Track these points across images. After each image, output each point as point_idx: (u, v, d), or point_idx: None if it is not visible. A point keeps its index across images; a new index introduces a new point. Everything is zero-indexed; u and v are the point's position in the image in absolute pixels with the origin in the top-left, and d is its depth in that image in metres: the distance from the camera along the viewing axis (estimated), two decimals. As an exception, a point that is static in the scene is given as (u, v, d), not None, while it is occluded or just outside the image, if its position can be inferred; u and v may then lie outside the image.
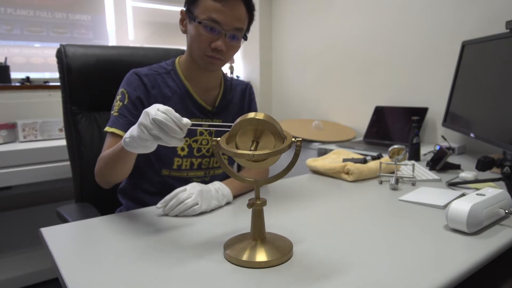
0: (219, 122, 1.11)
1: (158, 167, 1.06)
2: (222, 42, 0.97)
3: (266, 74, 2.92)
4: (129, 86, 1.02)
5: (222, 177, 1.12)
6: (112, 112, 1.01)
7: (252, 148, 0.63)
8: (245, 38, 1.03)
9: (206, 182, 1.08)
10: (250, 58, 2.92)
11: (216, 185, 0.96)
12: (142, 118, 0.72)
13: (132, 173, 1.10)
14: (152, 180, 1.08)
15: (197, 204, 0.87)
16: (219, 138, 0.66)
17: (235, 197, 1.00)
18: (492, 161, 1.07)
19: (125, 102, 1.00)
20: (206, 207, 0.89)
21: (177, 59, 1.10)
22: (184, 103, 1.05)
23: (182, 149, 1.05)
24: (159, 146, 1.02)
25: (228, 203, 0.96)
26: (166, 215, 0.87)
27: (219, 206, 0.93)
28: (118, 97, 1.03)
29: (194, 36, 0.99)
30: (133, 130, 0.74)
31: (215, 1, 0.94)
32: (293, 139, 0.65)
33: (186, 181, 1.06)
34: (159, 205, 0.88)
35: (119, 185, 1.16)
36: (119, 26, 2.42)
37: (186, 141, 1.05)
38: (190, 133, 1.06)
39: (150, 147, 0.74)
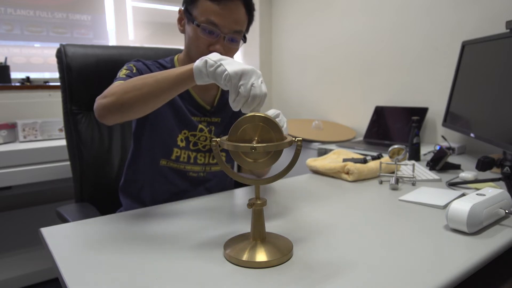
0: (218, 120, 1.11)
1: (157, 156, 1.05)
2: (220, 45, 0.96)
3: (266, 74, 2.92)
4: (137, 63, 1.01)
5: (220, 174, 1.12)
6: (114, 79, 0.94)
7: (253, 143, 0.63)
8: (244, 41, 1.02)
9: (202, 178, 1.09)
10: (250, 58, 2.93)
11: None
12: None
13: (130, 166, 1.10)
14: (149, 172, 1.07)
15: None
16: (218, 139, 0.66)
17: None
18: (492, 161, 1.07)
19: (134, 71, 0.96)
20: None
21: (175, 57, 1.09)
22: (184, 102, 1.05)
23: (182, 140, 1.05)
24: (160, 135, 1.02)
25: (227, 203, 0.96)
26: (166, 215, 0.87)
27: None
28: (123, 68, 0.97)
29: (192, 38, 0.98)
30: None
31: (214, 3, 0.93)
32: (294, 139, 0.65)
33: (182, 174, 1.07)
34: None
35: (119, 184, 1.16)
36: (119, 26, 2.42)
37: (185, 133, 1.05)
38: (191, 127, 1.06)
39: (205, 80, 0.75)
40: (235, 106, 0.72)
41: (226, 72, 0.70)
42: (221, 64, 0.71)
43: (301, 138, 0.65)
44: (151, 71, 1.02)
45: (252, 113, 0.64)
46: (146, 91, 0.77)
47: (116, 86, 0.82)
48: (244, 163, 0.65)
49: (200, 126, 1.07)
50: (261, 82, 0.71)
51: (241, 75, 0.70)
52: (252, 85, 0.70)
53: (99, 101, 0.82)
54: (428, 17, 1.91)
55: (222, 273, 0.61)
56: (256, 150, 0.61)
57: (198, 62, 0.74)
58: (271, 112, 0.79)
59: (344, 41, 2.36)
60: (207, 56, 0.74)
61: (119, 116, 0.80)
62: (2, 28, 2.07)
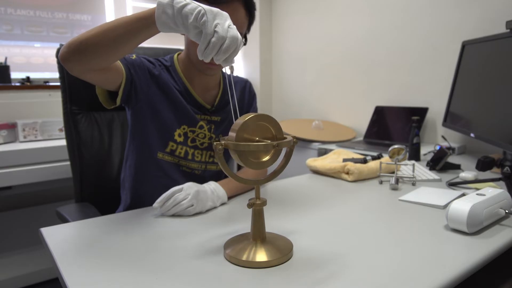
0: (218, 119, 1.11)
1: (153, 149, 1.05)
2: None
3: (266, 74, 2.92)
4: (139, 56, 1.01)
5: (216, 173, 1.12)
6: None
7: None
8: (245, 43, 1.00)
9: (198, 175, 1.09)
10: (250, 58, 2.93)
11: (212, 185, 0.96)
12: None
13: (127, 160, 1.09)
14: (145, 165, 1.06)
15: (192, 205, 0.87)
16: (222, 142, 0.64)
17: (230, 198, 1.00)
18: (492, 161, 1.07)
19: (132, 57, 0.96)
20: (201, 208, 0.89)
21: (175, 56, 1.09)
22: (185, 100, 1.05)
23: (179, 135, 1.05)
24: (157, 128, 1.02)
25: (223, 204, 0.96)
26: (166, 215, 0.87)
27: (213, 207, 0.93)
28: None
29: (190, 41, 0.97)
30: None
31: (212, 5, 0.92)
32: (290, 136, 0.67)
33: (177, 168, 1.06)
34: (156, 204, 0.87)
35: (119, 184, 1.16)
36: (119, 26, 2.42)
37: (184, 128, 1.05)
38: (191, 123, 1.06)
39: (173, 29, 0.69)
40: (209, 52, 0.64)
41: (200, 8, 0.65)
42: (192, 2, 0.67)
43: (295, 136, 0.67)
44: (153, 64, 1.03)
45: (252, 113, 0.64)
46: (106, 29, 0.74)
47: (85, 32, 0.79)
48: (247, 163, 0.65)
49: (200, 123, 1.07)
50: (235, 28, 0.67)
51: (216, 13, 0.65)
52: (229, 26, 0.65)
53: (76, 37, 0.79)
54: (428, 17, 1.91)
55: (222, 273, 0.61)
56: (279, 147, 0.62)
57: None
58: None
59: (344, 41, 2.36)
60: None
61: (78, 55, 0.76)
62: (2, 28, 2.07)
